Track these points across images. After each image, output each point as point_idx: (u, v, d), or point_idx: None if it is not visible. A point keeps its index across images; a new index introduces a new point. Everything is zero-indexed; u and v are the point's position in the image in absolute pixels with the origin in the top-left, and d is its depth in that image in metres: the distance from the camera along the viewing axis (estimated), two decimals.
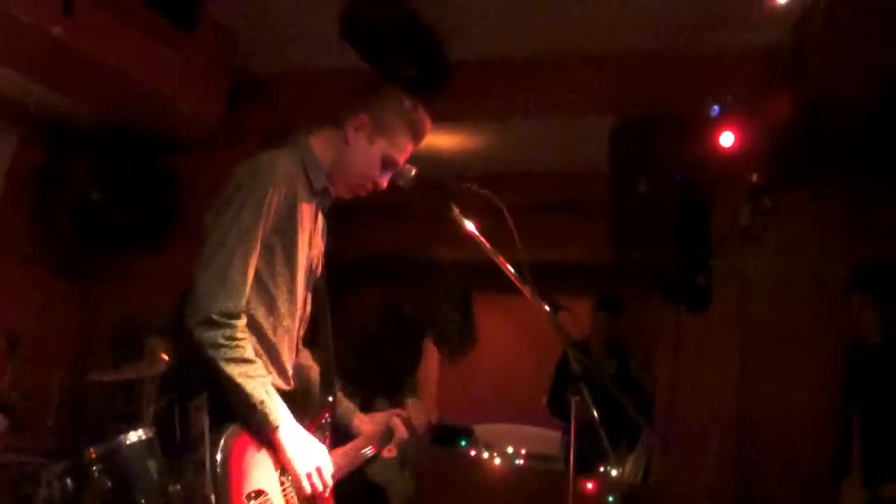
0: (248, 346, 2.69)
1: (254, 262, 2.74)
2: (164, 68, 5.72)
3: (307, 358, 3.29)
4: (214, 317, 2.63)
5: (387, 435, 3.38)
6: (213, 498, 2.52)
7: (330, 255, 3.18)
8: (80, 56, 5.14)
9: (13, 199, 6.42)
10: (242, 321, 2.70)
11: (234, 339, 2.65)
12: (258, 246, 2.75)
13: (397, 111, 3.01)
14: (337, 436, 3.25)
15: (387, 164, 3.02)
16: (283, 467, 2.79)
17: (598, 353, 6.79)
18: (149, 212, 6.53)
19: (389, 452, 3.42)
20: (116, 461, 3.91)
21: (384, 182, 3.06)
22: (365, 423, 3.37)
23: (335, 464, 3.00)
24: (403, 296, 5.83)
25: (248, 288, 2.73)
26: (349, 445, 3.22)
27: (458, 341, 7.28)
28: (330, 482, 2.88)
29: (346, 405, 3.36)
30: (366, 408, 3.52)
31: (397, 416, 3.44)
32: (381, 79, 3.21)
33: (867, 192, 5.54)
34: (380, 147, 3.00)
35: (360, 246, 6.95)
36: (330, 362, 3.21)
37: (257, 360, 2.72)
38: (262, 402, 2.66)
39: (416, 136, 3.06)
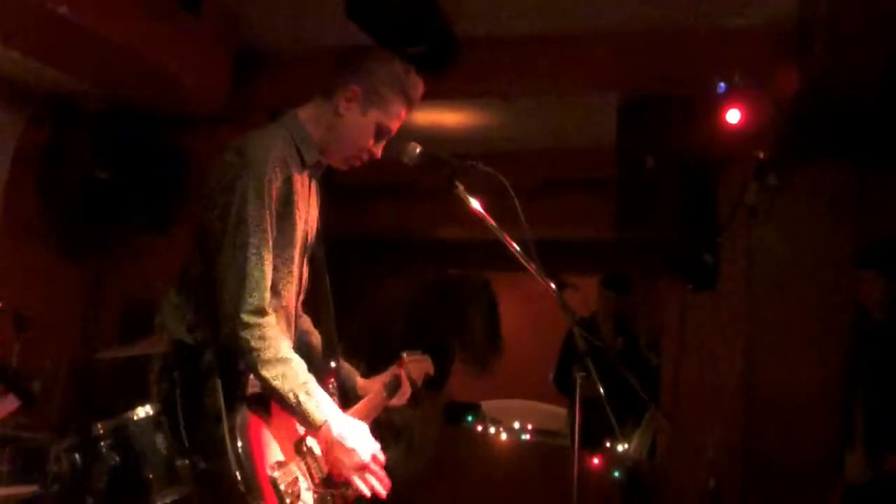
0: (283, 344, 2.70)
1: (268, 252, 2.74)
2: (170, 46, 5.71)
3: (307, 323, 3.28)
4: (244, 317, 2.64)
5: (393, 385, 3.38)
6: (238, 475, 2.54)
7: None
8: (85, 35, 5.14)
9: (20, 179, 6.43)
10: (272, 317, 2.71)
11: (266, 338, 2.66)
12: (268, 235, 2.74)
13: (389, 79, 2.95)
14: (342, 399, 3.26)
15: (381, 132, 2.99)
16: (300, 441, 2.80)
17: (605, 330, 6.80)
18: (155, 190, 6.52)
19: (400, 400, 3.43)
20: (124, 436, 3.93)
21: (379, 151, 3.03)
22: (368, 383, 3.38)
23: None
24: (431, 303, 5.80)
25: (268, 281, 2.72)
26: (361, 404, 3.22)
27: (483, 353, 7.27)
28: (381, 462, 2.86)
29: (347, 368, 3.36)
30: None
31: (397, 372, 3.45)
32: (370, 46, 3.13)
33: (873, 168, 5.54)
34: (373, 117, 2.95)
35: (380, 228, 6.96)
36: (332, 328, 3.20)
37: (293, 356, 2.72)
38: (299, 404, 2.67)
39: (410, 102, 3.01)
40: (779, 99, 5.18)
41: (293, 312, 3.00)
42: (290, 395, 2.66)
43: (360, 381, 3.38)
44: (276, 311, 2.85)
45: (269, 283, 2.73)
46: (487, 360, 7.02)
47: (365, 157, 3.03)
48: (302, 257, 3.01)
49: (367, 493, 2.82)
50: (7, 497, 4.04)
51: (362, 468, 2.79)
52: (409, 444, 5.38)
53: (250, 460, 2.58)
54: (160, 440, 3.94)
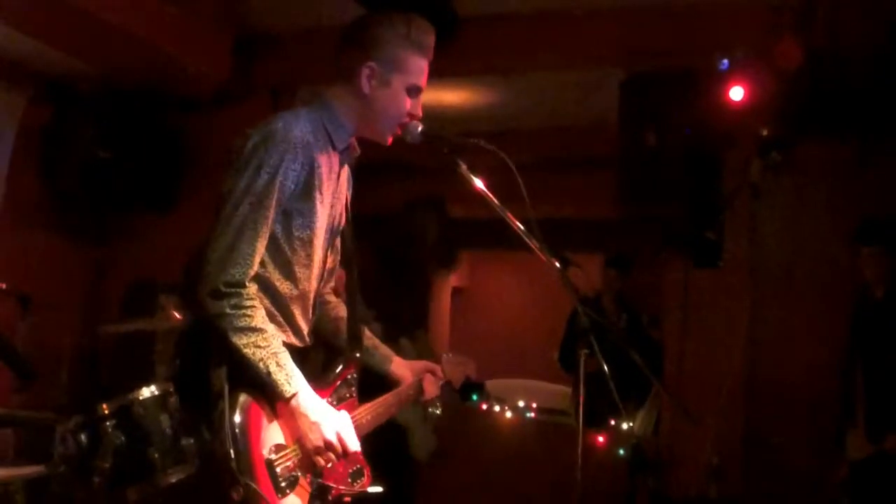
0: (258, 314, 2.65)
1: (266, 231, 2.70)
2: (170, 27, 5.71)
3: (342, 309, 3.25)
4: (221, 287, 2.60)
5: (415, 394, 3.36)
6: (232, 453, 2.51)
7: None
8: (86, 16, 5.14)
9: (22, 160, 6.44)
10: (251, 288, 2.66)
11: (241, 307, 2.62)
12: (271, 214, 2.70)
13: (398, 39, 2.89)
14: (375, 381, 3.25)
15: (412, 92, 2.94)
16: (298, 438, 2.74)
17: (608, 308, 6.81)
18: (156, 171, 6.53)
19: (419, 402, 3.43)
20: (129, 416, 3.95)
21: (419, 108, 2.98)
22: (402, 369, 3.34)
23: (362, 420, 2.99)
24: (392, 237, 5.75)
25: (258, 258, 2.68)
26: (378, 401, 3.17)
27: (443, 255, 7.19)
28: (349, 448, 2.78)
29: (382, 351, 3.33)
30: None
31: (432, 371, 3.44)
32: (367, 14, 3.06)
33: (875, 144, 5.52)
34: (398, 83, 2.90)
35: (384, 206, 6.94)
36: (357, 316, 3.17)
37: (267, 327, 2.67)
38: (269, 374, 2.62)
39: (426, 51, 2.95)
40: (781, 73, 5.16)
41: (312, 297, 2.96)
42: (261, 365, 2.61)
43: (393, 365, 3.34)
44: (290, 293, 2.85)
45: (257, 260, 2.69)
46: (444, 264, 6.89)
47: (407, 120, 2.97)
48: (327, 242, 2.98)
49: (321, 464, 2.75)
50: (13, 477, 4.05)
51: (325, 445, 2.72)
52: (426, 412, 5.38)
53: (246, 439, 2.55)
54: (165, 419, 3.97)
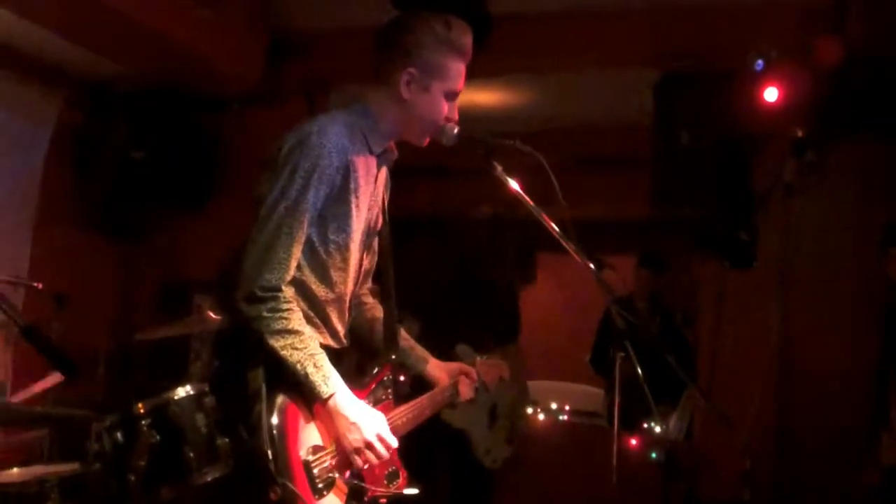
0: (294, 316, 2.67)
1: (302, 235, 2.71)
2: (203, 28, 5.74)
3: (378, 311, 3.25)
4: (257, 292, 2.62)
5: (450, 396, 3.35)
6: (270, 454, 2.53)
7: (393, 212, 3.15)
8: (119, 17, 5.17)
9: (57, 161, 6.49)
10: (288, 292, 2.68)
11: (278, 310, 2.63)
12: (306, 219, 2.71)
13: (437, 43, 2.86)
14: (411, 383, 3.25)
15: (450, 96, 2.93)
16: (335, 438, 2.76)
17: (641, 309, 6.78)
18: (190, 171, 6.56)
19: (452, 408, 3.42)
20: (165, 415, 3.97)
21: (455, 112, 2.97)
22: (437, 371, 3.33)
23: (398, 422, 2.99)
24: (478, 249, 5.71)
25: (294, 261, 2.70)
26: (412, 403, 3.16)
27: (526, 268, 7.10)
28: (385, 451, 2.79)
29: (418, 353, 3.33)
30: (446, 354, 3.49)
31: (466, 374, 3.43)
32: (404, 16, 3.04)
33: None
34: (437, 88, 2.89)
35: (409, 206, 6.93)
36: (393, 318, 3.17)
37: (304, 329, 2.68)
38: (306, 375, 2.63)
39: (465, 54, 2.92)
40: (818, 72, 5.12)
41: (348, 299, 2.97)
42: (298, 367, 2.62)
43: (429, 366, 3.33)
44: (325, 296, 2.85)
45: (293, 265, 2.70)
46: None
47: (443, 123, 2.96)
48: (363, 245, 2.98)
49: (360, 465, 2.76)
50: (49, 475, 4.09)
51: (364, 446, 2.74)
52: (494, 421, 5.33)
53: (284, 440, 2.57)
54: (200, 419, 3.98)
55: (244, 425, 2.60)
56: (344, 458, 2.75)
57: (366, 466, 2.78)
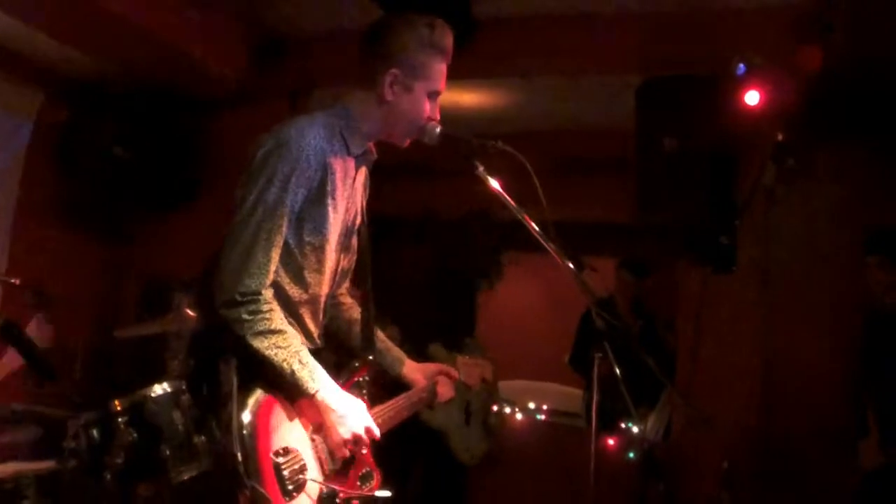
0: (276, 317, 2.68)
1: (280, 239, 2.72)
2: (189, 27, 5.73)
3: (356, 311, 3.27)
4: (237, 297, 2.63)
5: (428, 396, 3.36)
6: (239, 455, 2.52)
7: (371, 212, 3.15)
8: (105, 15, 5.16)
9: (39, 158, 6.46)
10: (267, 293, 2.69)
11: (259, 312, 2.64)
12: (285, 222, 2.72)
13: (420, 44, 2.90)
14: (386, 383, 3.25)
15: (432, 96, 2.97)
16: (319, 428, 2.79)
17: (622, 311, 6.79)
18: (174, 171, 6.55)
19: (430, 409, 3.42)
20: (142, 413, 3.97)
21: (437, 112, 3.01)
22: (414, 373, 3.36)
23: (374, 423, 2.99)
24: (446, 252, 5.72)
25: (273, 265, 2.71)
26: (388, 404, 3.19)
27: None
28: (375, 436, 2.86)
29: (395, 354, 3.35)
30: (420, 353, 3.48)
31: (446, 373, 3.43)
32: (388, 17, 3.07)
33: (892, 151, 5.49)
34: (420, 89, 2.92)
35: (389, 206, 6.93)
36: (370, 319, 3.18)
37: (286, 328, 2.70)
38: (293, 373, 2.65)
39: (446, 55, 2.97)
40: (799, 77, 5.14)
41: (322, 300, 2.98)
42: (284, 365, 2.65)
43: (406, 368, 3.35)
44: (300, 298, 2.86)
45: (273, 268, 2.71)
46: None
47: (425, 122, 2.99)
48: (340, 246, 2.99)
49: (347, 455, 2.81)
50: (25, 472, 4.07)
51: (352, 439, 2.79)
52: (469, 418, 5.34)
53: (254, 441, 2.57)
54: (177, 416, 3.98)
55: (218, 423, 2.60)
56: (317, 457, 2.76)
57: (362, 451, 2.82)
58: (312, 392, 2.69)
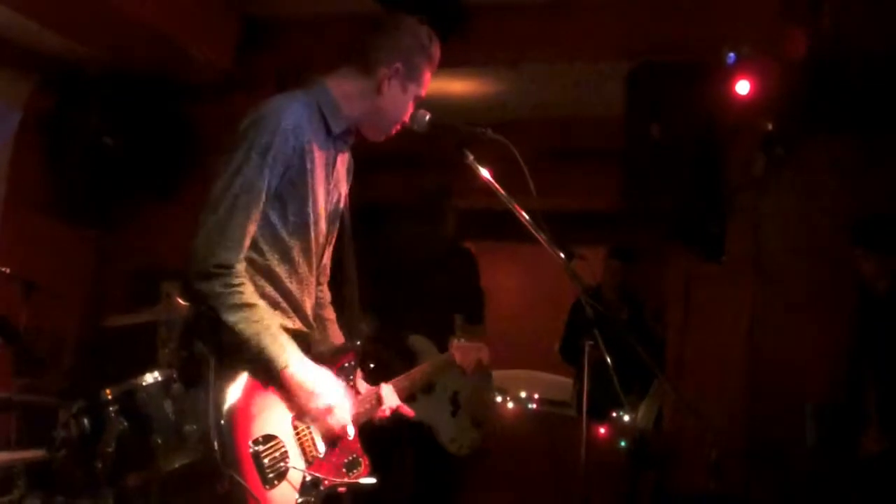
0: (248, 290, 2.66)
1: (256, 213, 2.70)
2: (176, 13, 5.71)
3: (331, 312, 3.26)
4: (210, 269, 2.61)
5: (445, 360, 3.37)
6: (216, 445, 2.52)
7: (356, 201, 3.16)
8: (92, 2, 5.13)
9: (27, 146, 6.43)
10: (240, 266, 2.67)
11: (231, 285, 2.62)
12: (262, 197, 2.70)
13: (422, 50, 2.96)
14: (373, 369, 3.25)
15: (416, 101, 3.02)
16: (297, 411, 2.76)
17: (610, 300, 6.80)
18: (161, 158, 6.53)
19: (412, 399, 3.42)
20: (132, 402, 3.96)
21: (409, 118, 3.04)
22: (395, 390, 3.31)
23: (359, 409, 3.01)
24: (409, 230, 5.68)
25: (247, 239, 2.69)
26: (374, 389, 3.18)
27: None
28: (347, 421, 2.84)
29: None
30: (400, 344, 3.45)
31: (437, 361, 3.43)
32: (398, 14, 3.09)
33: (882, 140, 5.50)
34: (412, 91, 2.97)
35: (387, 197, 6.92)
36: (355, 305, 3.17)
37: (258, 302, 2.67)
38: (262, 349, 2.62)
39: (434, 66, 3.03)
40: (787, 64, 5.15)
41: (313, 281, 2.98)
42: (254, 340, 2.61)
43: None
44: (290, 278, 2.86)
45: (248, 243, 2.70)
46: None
47: (399, 127, 3.04)
48: (327, 231, 3.00)
49: (336, 427, 2.81)
50: (14, 461, 4.06)
51: (325, 412, 2.77)
52: (458, 402, 5.29)
53: (231, 430, 2.55)
54: (168, 405, 3.97)
55: (200, 414, 2.60)
56: (300, 444, 2.75)
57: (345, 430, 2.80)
58: (282, 366, 2.65)
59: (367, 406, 3.12)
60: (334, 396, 2.79)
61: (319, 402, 2.75)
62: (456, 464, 5.36)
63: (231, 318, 2.61)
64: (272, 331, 2.66)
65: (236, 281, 2.64)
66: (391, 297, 5.15)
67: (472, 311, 5.58)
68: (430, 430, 5.15)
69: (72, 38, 5.85)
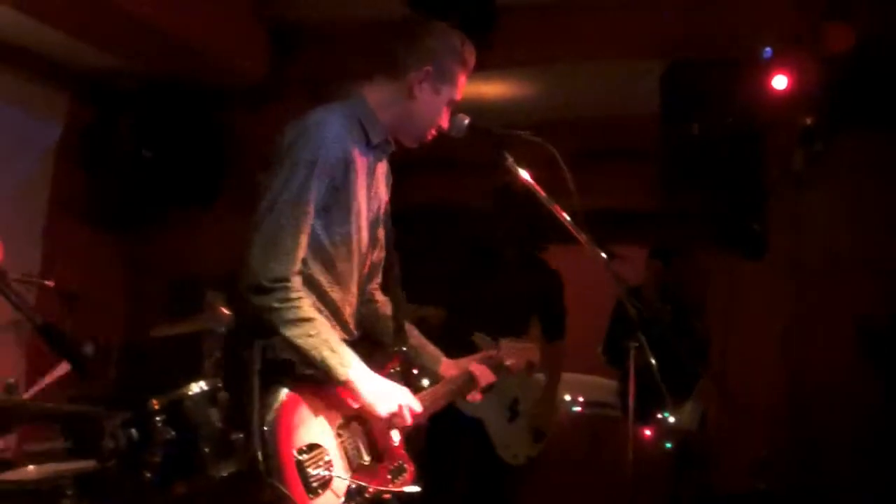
0: (305, 305, 2.69)
1: (306, 226, 2.73)
2: (208, 22, 5.76)
3: (388, 308, 3.27)
4: (265, 283, 2.64)
5: (467, 382, 3.34)
6: (260, 455, 2.54)
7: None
8: (121, 12, 5.19)
9: (67, 159, 6.50)
10: (296, 281, 2.70)
11: (288, 300, 2.65)
12: (311, 209, 2.73)
13: (452, 52, 2.97)
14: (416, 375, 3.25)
15: (450, 105, 3.02)
16: (346, 424, 2.79)
17: (652, 299, 6.74)
18: (198, 166, 6.57)
19: (473, 397, 3.39)
20: (180, 411, 3.97)
21: (446, 122, 3.05)
22: (451, 368, 3.33)
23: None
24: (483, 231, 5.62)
25: (300, 251, 2.72)
26: (425, 393, 3.18)
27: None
28: (415, 411, 2.87)
29: (430, 351, 3.33)
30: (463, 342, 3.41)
31: (485, 358, 3.42)
32: (424, 19, 3.13)
33: None
34: (445, 94, 2.98)
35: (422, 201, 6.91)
36: (400, 310, 3.19)
37: (316, 316, 2.71)
38: (323, 360, 2.66)
39: (469, 70, 3.04)
40: (828, 59, 5.10)
41: (356, 290, 3.00)
42: (314, 353, 2.66)
43: (443, 366, 3.33)
44: (333, 288, 2.88)
45: (300, 255, 2.72)
46: None
47: (435, 132, 3.05)
48: (370, 240, 3.02)
49: (402, 426, 2.85)
50: (64, 472, 4.09)
51: (392, 416, 2.80)
52: (516, 416, 5.19)
53: (275, 440, 2.57)
54: (215, 414, 3.98)
55: (245, 423, 2.62)
56: (343, 453, 2.76)
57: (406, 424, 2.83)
58: (344, 379, 2.70)
59: (423, 406, 3.11)
60: (400, 395, 2.84)
61: (385, 405, 2.79)
62: (509, 472, 5.26)
63: (289, 332, 2.65)
64: (331, 343, 2.70)
65: (294, 295, 2.67)
66: (465, 295, 5.13)
67: (553, 325, 5.53)
68: (482, 427, 5.07)
69: (104, 50, 5.90)
